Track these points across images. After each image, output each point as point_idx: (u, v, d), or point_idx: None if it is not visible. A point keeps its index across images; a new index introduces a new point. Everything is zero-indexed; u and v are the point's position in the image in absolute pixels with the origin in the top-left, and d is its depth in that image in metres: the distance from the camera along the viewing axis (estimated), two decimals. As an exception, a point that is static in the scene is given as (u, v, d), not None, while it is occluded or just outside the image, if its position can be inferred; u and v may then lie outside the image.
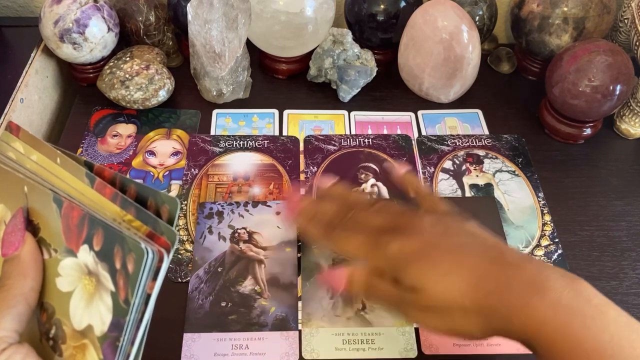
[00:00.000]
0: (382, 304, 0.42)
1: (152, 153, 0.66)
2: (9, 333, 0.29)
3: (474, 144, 0.68)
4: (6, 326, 0.29)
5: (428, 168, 0.65)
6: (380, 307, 0.45)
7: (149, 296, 0.27)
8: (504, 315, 0.35)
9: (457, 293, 0.37)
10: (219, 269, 0.55)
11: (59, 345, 0.31)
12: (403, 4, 0.71)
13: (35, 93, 0.69)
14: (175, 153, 0.66)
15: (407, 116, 0.72)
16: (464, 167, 0.65)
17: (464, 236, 0.40)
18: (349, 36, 0.70)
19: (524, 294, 0.35)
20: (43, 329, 0.31)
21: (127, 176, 0.28)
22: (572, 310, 0.33)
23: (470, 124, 0.71)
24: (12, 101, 0.63)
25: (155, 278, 0.27)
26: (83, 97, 0.72)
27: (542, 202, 0.61)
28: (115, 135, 0.67)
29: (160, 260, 0.27)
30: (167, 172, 0.64)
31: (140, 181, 0.28)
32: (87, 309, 0.29)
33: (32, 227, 0.31)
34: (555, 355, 0.33)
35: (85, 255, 0.28)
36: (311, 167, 0.64)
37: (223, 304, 0.52)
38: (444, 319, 0.38)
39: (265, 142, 0.67)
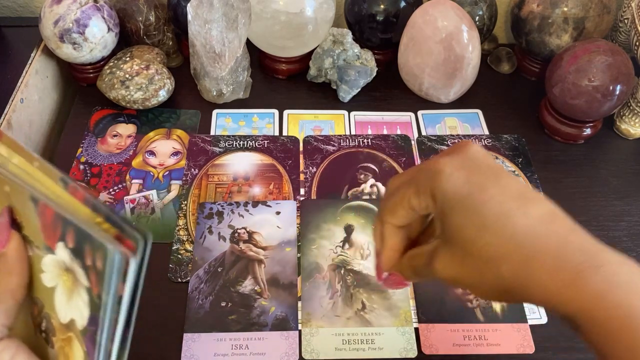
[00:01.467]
0: (426, 276, 0.36)
1: (152, 153, 0.66)
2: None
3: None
4: None
5: (428, 168, 0.65)
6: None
7: (120, 297, 0.28)
8: (548, 291, 0.30)
9: (494, 252, 0.32)
10: (219, 269, 0.55)
11: (50, 337, 0.32)
12: (403, 4, 0.71)
13: (35, 93, 0.69)
14: (175, 153, 0.66)
15: (407, 116, 0.72)
16: (464, 167, 0.65)
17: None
18: (349, 36, 0.70)
19: (573, 275, 0.30)
20: (36, 322, 0.33)
21: (100, 199, 0.29)
22: (630, 287, 0.29)
23: (470, 124, 0.71)
24: (12, 101, 0.63)
25: (124, 280, 0.27)
26: (83, 97, 0.72)
27: (542, 202, 0.61)
28: (115, 135, 0.67)
29: (127, 263, 0.27)
30: (167, 172, 0.64)
31: (109, 208, 0.29)
32: (69, 303, 0.30)
33: (16, 225, 0.32)
34: (607, 334, 0.29)
35: (62, 252, 0.29)
36: (310, 168, 0.64)
37: (223, 304, 0.52)
38: (478, 286, 0.33)
39: (265, 142, 0.67)
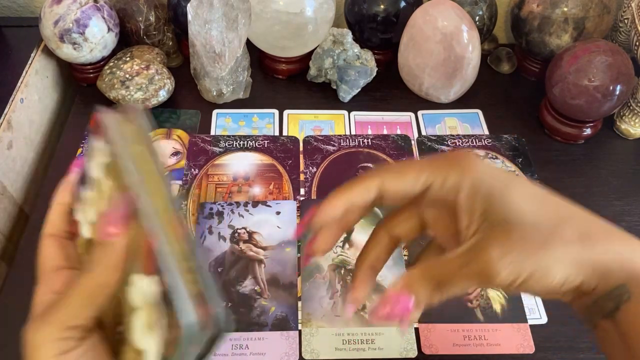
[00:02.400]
0: (463, 287, 0.30)
1: (152, 153, 0.66)
2: (87, 321, 0.28)
3: (474, 144, 0.68)
4: (86, 314, 0.28)
5: (428, 168, 0.65)
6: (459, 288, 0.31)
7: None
8: (609, 251, 0.30)
9: (557, 220, 0.31)
10: (219, 269, 0.55)
11: (122, 344, 0.30)
12: (403, 4, 0.71)
13: (35, 93, 0.69)
14: (176, 153, 0.66)
15: (407, 116, 0.72)
16: (464, 167, 0.65)
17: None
18: (349, 36, 0.70)
19: (624, 241, 0.31)
20: (115, 319, 0.31)
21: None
22: None
23: (470, 124, 0.71)
24: (12, 101, 0.63)
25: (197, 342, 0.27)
26: (83, 97, 0.72)
27: (542, 202, 0.61)
28: (115, 135, 0.67)
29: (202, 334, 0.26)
30: (167, 172, 0.64)
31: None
32: (145, 336, 0.28)
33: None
34: None
35: (153, 287, 0.27)
36: (310, 168, 0.64)
37: (223, 304, 0.52)
38: (542, 260, 0.29)
39: (265, 142, 0.67)
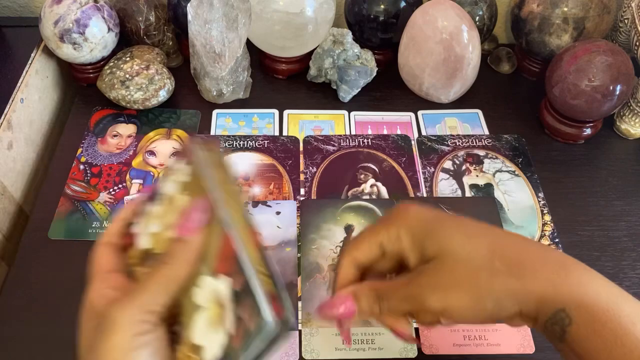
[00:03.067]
0: (397, 306, 0.35)
1: (152, 153, 0.66)
2: (163, 309, 0.31)
3: (474, 144, 0.68)
4: (163, 302, 0.30)
5: (428, 168, 0.65)
6: (394, 315, 0.37)
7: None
8: (540, 278, 0.32)
9: (485, 251, 0.33)
10: (219, 269, 0.55)
11: (176, 342, 0.32)
12: (403, 4, 0.71)
13: (35, 93, 0.69)
14: (176, 153, 0.66)
15: (407, 116, 0.72)
16: (464, 167, 0.65)
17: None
18: (349, 36, 0.70)
19: (558, 267, 0.33)
20: (170, 320, 0.32)
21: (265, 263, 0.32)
22: (607, 290, 0.32)
23: (470, 124, 0.71)
24: (12, 101, 0.63)
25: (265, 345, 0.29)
26: (83, 97, 0.72)
27: (542, 202, 0.61)
28: (115, 135, 0.67)
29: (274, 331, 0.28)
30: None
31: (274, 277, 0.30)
32: (206, 332, 0.30)
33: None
34: (588, 329, 0.31)
35: (224, 287, 0.30)
36: (310, 168, 0.64)
37: (223, 304, 0.52)
38: (469, 290, 0.33)
39: (266, 142, 0.67)
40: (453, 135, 0.69)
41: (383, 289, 0.36)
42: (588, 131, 0.68)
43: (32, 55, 0.69)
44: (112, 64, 0.68)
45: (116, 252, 0.36)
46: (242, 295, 0.29)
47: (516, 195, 0.62)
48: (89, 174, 0.63)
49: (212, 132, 0.68)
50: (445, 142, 0.68)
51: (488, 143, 0.68)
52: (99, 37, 0.67)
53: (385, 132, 0.69)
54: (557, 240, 0.58)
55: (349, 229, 0.59)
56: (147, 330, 0.30)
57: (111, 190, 0.62)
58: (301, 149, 0.67)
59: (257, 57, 0.76)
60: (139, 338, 0.29)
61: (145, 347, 0.29)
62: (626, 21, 0.71)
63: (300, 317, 0.52)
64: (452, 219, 0.36)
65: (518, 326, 0.34)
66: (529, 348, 0.51)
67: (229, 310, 0.29)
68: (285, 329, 0.29)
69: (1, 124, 0.61)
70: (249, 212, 0.32)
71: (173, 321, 0.32)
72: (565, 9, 0.67)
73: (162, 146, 0.66)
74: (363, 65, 0.71)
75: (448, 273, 0.34)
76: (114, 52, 0.71)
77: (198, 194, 0.33)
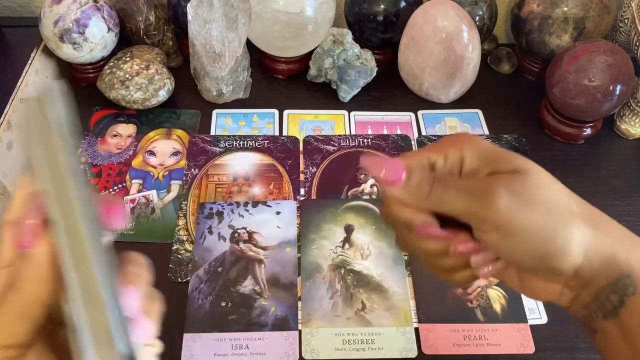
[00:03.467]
0: (453, 197, 0.30)
1: (152, 153, 0.66)
2: (25, 336, 0.27)
3: (474, 144, 0.68)
4: (21, 330, 0.27)
5: (428, 168, 0.65)
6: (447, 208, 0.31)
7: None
8: (614, 236, 0.30)
9: (565, 193, 0.31)
10: (219, 269, 0.55)
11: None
12: (403, 4, 0.71)
13: (36, 93, 0.69)
14: (175, 153, 0.66)
15: (407, 116, 0.72)
16: (464, 167, 0.65)
17: None
18: (349, 36, 0.70)
19: (628, 234, 0.31)
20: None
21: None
22: None
23: (470, 124, 0.71)
24: (12, 101, 0.63)
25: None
26: (83, 97, 0.72)
27: (542, 202, 0.61)
28: (115, 135, 0.67)
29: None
30: (167, 172, 0.64)
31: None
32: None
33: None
34: None
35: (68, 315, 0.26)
36: (310, 168, 0.64)
37: (223, 304, 0.52)
38: (546, 214, 0.29)
39: (265, 142, 0.67)
40: (453, 135, 0.69)
41: (444, 175, 0.31)
42: (588, 131, 0.68)
43: (32, 55, 0.69)
44: (112, 64, 0.68)
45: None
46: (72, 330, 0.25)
47: (516, 195, 0.62)
48: (88, 174, 0.63)
49: (212, 132, 0.68)
50: (445, 142, 0.68)
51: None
52: (98, 37, 0.67)
53: (385, 132, 0.69)
54: (557, 240, 0.58)
55: (349, 229, 0.59)
56: None
57: (111, 190, 0.62)
58: (301, 149, 0.67)
59: (257, 57, 0.76)
60: None
61: None
62: (626, 21, 0.71)
63: (300, 317, 0.52)
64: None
65: (565, 302, 0.31)
66: (529, 348, 0.51)
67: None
68: None
69: (1, 124, 0.61)
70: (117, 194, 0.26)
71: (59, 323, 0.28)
72: (565, 9, 0.67)
73: (162, 146, 0.66)
74: (363, 65, 0.71)
75: (530, 186, 0.29)
76: (114, 52, 0.71)
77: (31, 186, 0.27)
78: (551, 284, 0.31)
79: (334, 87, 0.73)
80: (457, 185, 0.30)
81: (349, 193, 0.62)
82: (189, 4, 0.63)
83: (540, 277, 0.31)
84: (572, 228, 0.29)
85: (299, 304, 0.53)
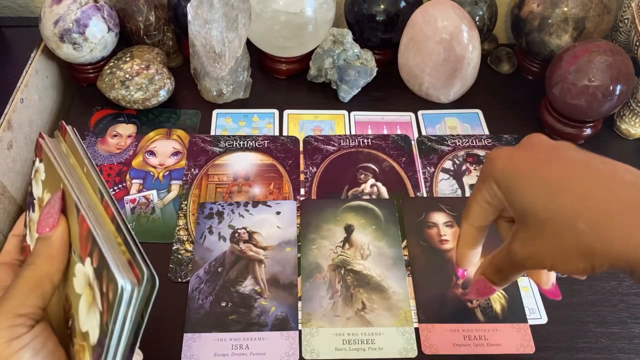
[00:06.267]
0: (507, 271, 0.37)
1: (152, 153, 0.66)
2: (34, 310, 0.31)
3: (474, 144, 0.68)
4: (32, 303, 0.31)
5: (428, 168, 0.65)
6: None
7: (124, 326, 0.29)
8: (633, 243, 0.29)
9: (569, 212, 0.31)
10: (219, 269, 0.55)
11: (72, 336, 0.33)
12: (403, 4, 0.71)
13: (35, 93, 0.69)
14: (176, 153, 0.66)
15: (407, 116, 0.72)
16: (464, 167, 0.65)
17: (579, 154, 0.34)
18: (349, 36, 0.70)
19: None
20: (65, 316, 0.34)
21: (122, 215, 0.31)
22: None
23: (470, 124, 0.71)
24: (12, 101, 0.63)
25: (128, 309, 0.29)
26: (83, 97, 0.72)
27: (542, 202, 0.61)
28: (115, 135, 0.67)
29: (133, 292, 0.28)
30: (167, 172, 0.64)
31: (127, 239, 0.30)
32: (87, 317, 0.31)
33: (65, 216, 0.33)
34: None
35: (88, 268, 0.30)
36: (310, 168, 0.64)
37: (223, 304, 0.52)
38: (556, 248, 0.32)
39: (265, 142, 0.67)
40: (453, 135, 0.69)
41: (497, 260, 0.37)
42: (588, 131, 0.68)
43: (32, 55, 0.69)
44: (112, 64, 0.68)
45: (13, 270, 0.36)
46: (100, 269, 0.29)
47: (516, 195, 0.62)
48: (89, 174, 0.63)
49: (212, 132, 0.68)
50: (446, 142, 0.68)
51: (488, 143, 0.68)
52: (99, 37, 0.67)
53: (385, 132, 0.69)
54: (557, 240, 0.58)
55: (349, 229, 0.59)
56: (22, 332, 0.30)
57: (111, 190, 0.62)
58: (301, 149, 0.67)
59: (257, 57, 0.76)
60: (15, 342, 0.30)
61: (25, 350, 0.30)
62: (626, 21, 0.71)
63: (300, 317, 0.52)
64: (539, 170, 0.33)
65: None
66: (529, 348, 0.51)
67: (96, 288, 0.30)
68: (144, 287, 0.28)
69: (1, 124, 0.61)
70: (110, 190, 0.33)
71: (68, 316, 0.33)
72: (565, 9, 0.67)
73: (162, 146, 0.66)
74: (363, 65, 0.71)
75: (536, 236, 0.33)
76: (114, 52, 0.71)
77: (54, 187, 0.34)
78: None
79: (334, 87, 0.73)
80: (505, 263, 0.36)
81: (349, 193, 0.62)
82: (189, 4, 0.63)
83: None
84: (583, 250, 0.31)
85: (299, 304, 0.53)
